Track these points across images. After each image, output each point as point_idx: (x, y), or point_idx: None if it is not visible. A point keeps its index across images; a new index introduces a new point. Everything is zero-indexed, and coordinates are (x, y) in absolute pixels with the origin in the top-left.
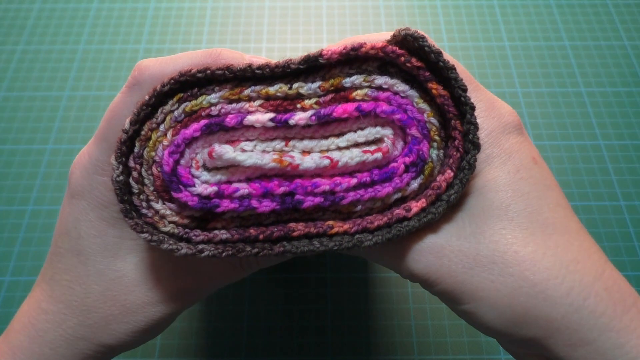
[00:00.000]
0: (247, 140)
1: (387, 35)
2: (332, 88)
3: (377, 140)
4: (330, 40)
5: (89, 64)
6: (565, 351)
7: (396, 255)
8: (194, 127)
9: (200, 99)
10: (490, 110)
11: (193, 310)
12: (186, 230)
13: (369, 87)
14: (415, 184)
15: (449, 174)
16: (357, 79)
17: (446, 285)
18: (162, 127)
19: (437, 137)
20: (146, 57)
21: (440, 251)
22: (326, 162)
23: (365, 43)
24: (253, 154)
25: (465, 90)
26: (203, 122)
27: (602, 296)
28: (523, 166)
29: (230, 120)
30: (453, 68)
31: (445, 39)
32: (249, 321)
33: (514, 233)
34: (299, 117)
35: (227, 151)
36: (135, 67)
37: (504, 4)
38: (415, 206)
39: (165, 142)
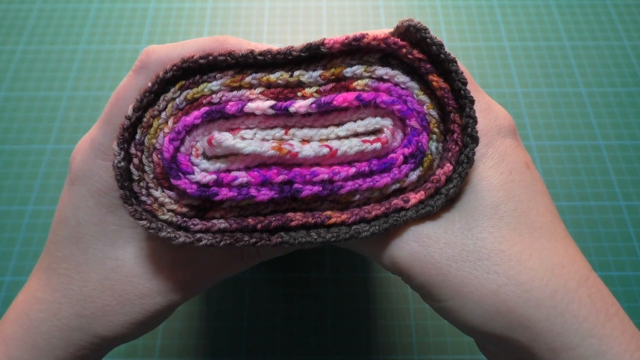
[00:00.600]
0: (247, 128)
1: (388, 31)
2: (333, 77)
3: (377, 131)
4: None
5: (89, 64)
6: (548, 356)
7: (380, 242)
8: (194, 115)
9: (201, 87)
10: (487, 112)
11: (193, 310)
12: (184, 219)
13: (370, 77)
14: (414, 176)
15: (448, 167)
16: (358, 69)
17: (429, 276)
18: (163, 115)
19: (436, 130)
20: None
21: (426, 241)
22: (325, 150)
23: (367, 34)
24: (252, 141)
25: (465, 83)
26: (204, 109)
27: (585, 302)
28: (516, 169)
29: (230, 108)
30: (454, 60)
31: (445, 39)
32: (249, 321)
33: (501, 232)
34: (300, 105)
35: (226, 138)
36: (143, 51)
37: (504, 4)
38: (414, 197)
39: (166, 130)
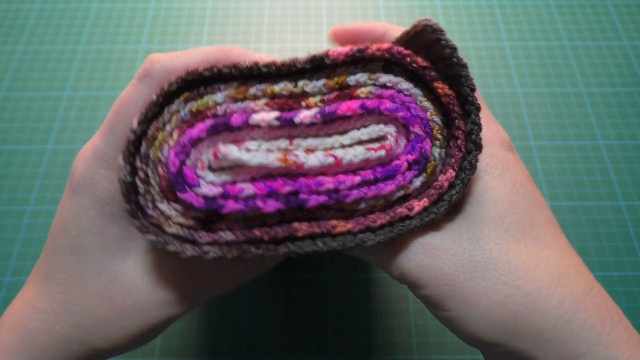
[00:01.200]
0: (252, 139)
1: (389, 26)
2: (336, 86)
3: (381, 138)
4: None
5: (89, 64)
6: None
7: (388, 252)
8: (199, 128)
9: (206, 99)
10: (490, 124)
11: (193, 311)
12: (191, 231)
13: (373, 85)
14: (417, 182)
15: (451, 173)
16: (362, 77)
17: (437, 286)
18: (168, 127)
19: (439, 136)
20: (146, 57)
21: (434, 252)
22: (330, 160)
23: (371, 45)
24: (258, 153)
25: (473, 90)
26: (209, 122)
27: (591, 311)
28: (519, 181)
29: (235, 120)
30: (465, 66)
31: None
32: (249, 321)
33: (507, 243)
34: (304, 115)
35: (232, 151)
36: (147, 59)
37: (504, 4)
38: (418, 205)
39: (171, 142)
